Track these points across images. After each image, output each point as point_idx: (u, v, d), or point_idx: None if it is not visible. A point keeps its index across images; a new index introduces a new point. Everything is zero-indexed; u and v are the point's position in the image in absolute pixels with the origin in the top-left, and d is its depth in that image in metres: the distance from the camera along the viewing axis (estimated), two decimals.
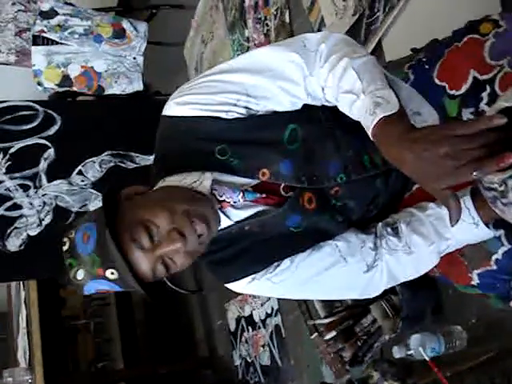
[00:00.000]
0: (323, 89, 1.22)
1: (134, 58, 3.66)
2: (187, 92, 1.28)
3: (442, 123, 1.35)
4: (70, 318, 5.00)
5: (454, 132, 0.94)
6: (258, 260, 1.33)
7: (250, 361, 3.33)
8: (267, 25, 2.87)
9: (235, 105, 1.25)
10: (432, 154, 0.94)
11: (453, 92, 1.36)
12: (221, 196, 1.28)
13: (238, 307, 3.37)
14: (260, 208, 1.30)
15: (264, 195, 1.30)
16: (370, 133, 1.08)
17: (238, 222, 1.30)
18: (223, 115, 1.25)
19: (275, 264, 1.33)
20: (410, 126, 1.04)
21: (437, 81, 1.38)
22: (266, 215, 1.30)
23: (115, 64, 3.62)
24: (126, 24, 3.56)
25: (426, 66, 1.41)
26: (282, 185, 1.31)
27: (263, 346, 3.16)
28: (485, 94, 1.30)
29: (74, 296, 4.81)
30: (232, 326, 3.50)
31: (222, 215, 1.28)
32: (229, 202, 1.28)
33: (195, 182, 1.26)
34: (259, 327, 3.18)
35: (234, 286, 1.37)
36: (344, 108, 1.19)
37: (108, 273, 1.19)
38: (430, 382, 1.72)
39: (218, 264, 1.35)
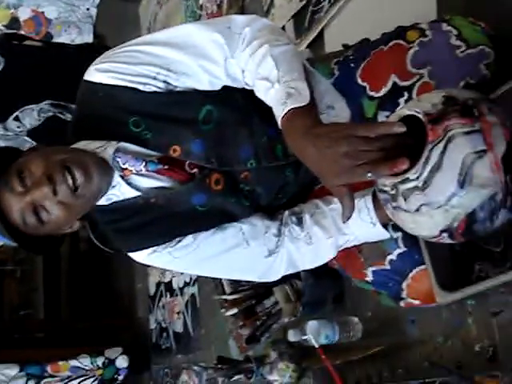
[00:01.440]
0: (243, 72, 1.24)
1: (88, 9, 3.60)
2: (109, 59, 1.27)
3: (352, 121, 1.39)
4: None
5: (356, 132, 0.97)
6: (161, 233, 1.35)
7: (164, 326, 3.37)
8: None
9: (155, 78, 1.26)
10: (332, 151, 0.97)
11: (372, 93, 1.39)
12: (123, 164, 1.28)
13: (159, 272, 3.40)
14: (165, 183, 1.31)
15: (167, 167, 1.30)
16: (279, 122, 1.10)
17: (143, 194, 1.31)
18: (141, 87, 1.25)
19: (177, 239, 1.35)
20: (318, 120, 1.07)
21: (359, 80, 1.41)
22: (172, 190, 1.32)
23: (67, 12, 3.55)
24: None
25: (352, 65, 1.44)
26: (188, 161, 1.32)
27: (178, 314, 3.20)
28: (402, 100, 1.33)
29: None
30: (152, 290, 3.53)
31: (124, 184, 1.29)
32: (131, 171, 1.29)
33: (99, 147, 1.27)
34: (176, 294, 3.22)
35: (135, 256, 1.39)
36: (260, 94, 1.20)
37: None
38: (324, 367, 1.78)
39: (122, 232, 1.36)
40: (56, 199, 1.19)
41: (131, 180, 1.30)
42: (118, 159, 1.28)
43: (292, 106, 1.07)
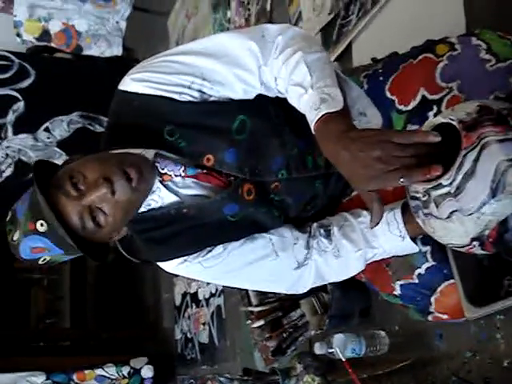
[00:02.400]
0: (276, 79, 1.25)
1: (117, 22, 3.65)
2: (144, 69, 1.29)
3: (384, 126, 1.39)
4: (24, 271, 5.00)
5: (390, 138, 0.98)
6: (192, 243, 1.35)
7: (189, 337, 3.38)
8: (249, 9, 2.88)
9: (189, 87, 1.27)
10: (365, 155, 0.98)
11: (401, 107, 1.39)
12: (163, 169, 1.30)
13: (185, 283, 3.41)
14: (201, 191, 1.32)
15: (205, 171, 1.31)
16: (312, 127, 1.11)
17: (179, 202, 1.33)
18: (176, 97, 1.27)
19: (208, 249, 1.36)
20: (351, 125, 1.07)
21: (388, 94, 1.41)
22: (205, 200, 1.33)
23: (97, 25, 3.60)
24: None
25: (381, 78, 1.44)
26: (224, 171, 1.33)
27: (204, 324, 3.21)
28: (431, 114, 1.33)
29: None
30: (178, 301, 3.54)
31: (164, 189, 1.31)
32: (170, 176, 1.30)
33: (139, 153, 1.29)
34: (202, 305, 3.23)
35: (165, 266, 1.40)
36: (293, 100, 1.21)
37: (38, 225, 1.20)
38: (349, 381, 1.77)
39: (153, 242, 1.37)
40: (114, 199, 1.20)
41: (169, 186, 1.31)
42: (157, 164, 1.30)
43: (326, 111, 1.08)
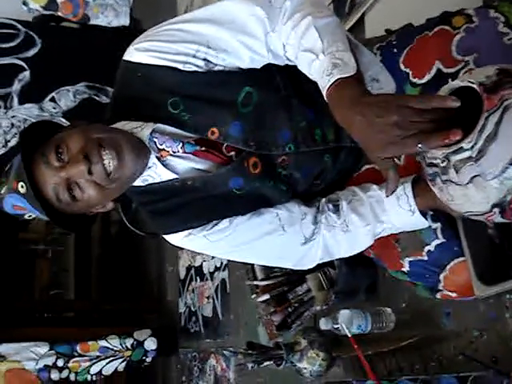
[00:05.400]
0: (284, 46, 1.21)
1: None
2: (148, 38, 1.27)
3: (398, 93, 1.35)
4: (30, 242, 5.02)
5: (407, 103, 0.95)
6: (197, 216, 1.34)
7: (193, 310, 3.38)
8: None
9: (194, 56, 1.24)
10: (382, 121, 0.94)
11: (415, 80, 1.36)
12: (160, 144, 1.28)
13: (190, 256, 3.40)
14: (203, 165, 1.30)
15: (204, 149, 1.30)
16: (324, 93, 1.07)
17: (180, 177, 1.30)
18: (180, 66, 1.25)
19: (214, 222, 1.34)
20: (365, 90, 1.04)
21: (402, 66, 1.38)
22: (209, 173, 1.31)
23: None
24: None
25: (395, 50, 1.41)
26: (225, 144, 1.31)
27: (208, 298, 3.21)
28: None
29: (37, 220, 4.81)
30: (182, 274, 3.53)
31: (160, 166, 1.29)
32: (168, 152, 1.28)
33: (136, 127, 1.27)
34: (207, 279, 3.22)
35: (170, 238, 1.38)
36: (303, 67, 1.18)
37: (19, 186, 1.21)
38: (354, 357, 1.76)
39: (158, 214, 1.36)
40: (91, 178, 1.19)
41: (168, 161, 1.30)
42: (155, 140, 1.28)
43: (339, 76, 1.05)
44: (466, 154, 1.00)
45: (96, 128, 1.26)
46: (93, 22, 3.54)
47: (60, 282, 5.13)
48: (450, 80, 1.29)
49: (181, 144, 1.28)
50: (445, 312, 1.59)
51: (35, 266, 5.16)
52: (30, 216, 1.30)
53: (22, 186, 1.20)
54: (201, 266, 3.29)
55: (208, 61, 1.26)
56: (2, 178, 1.27)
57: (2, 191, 1.26)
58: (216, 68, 1.26)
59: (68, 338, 3.34)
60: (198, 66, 1.25)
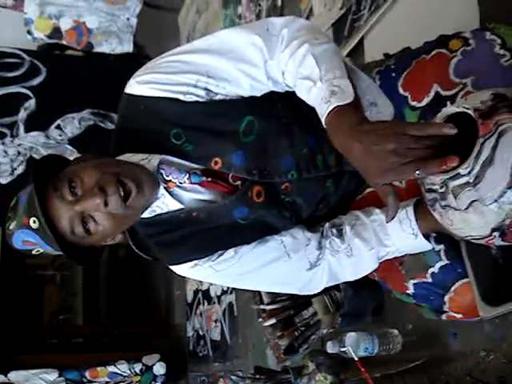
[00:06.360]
0: (283, 73, 1.22)
1: (128, 19, 3.65)
2: (149, 71, 1.28)
3: (396, 119, 1.37)
4: (37, 268, 5.03)
5: (404, 131, 0.96)
6: (202, 247, 1.34)
7: (201, 334, 3.38)
8: (260, 5, 2.86)
9: (195, 86, 1.25)
10: (379, 149, 0.96)
11: (414, 103, 1.37)
12: (167, 176, 1.29)
13: (197, 280, 3.40)
14: (208, 196, 1.31)
15: (210, 179, 1.30)
16: (323, 120, 1.09)
17: (186, 208, 1.31)
18: (181, 97, 1.25)
19: (219, 252, 1.34)
20: (363, 117, 1.05)
21: (401, 90, 1.39)
22: (214, 204, 1.31)
23: (108, 22, 3.60)
24: None
25: (393, 74, 1.42)
26: (231, 174, 1.32)
27: (215, 321, 3.21)
28: None
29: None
30: (189, 298, 3.54)
31: (168, 196, 1.29)
32: (174, 183, 1.29)
33: (143, 159, 1.28)
34: (214, 302, 3.22)
35: (176, 269, 1.39)
36: (302, 94, 1.19)
37: (31, 221, 1.20)
38: (362, 379, 1.76)
39: (164, 245, 1.36)
40: (106, 210, 1.19)
41: (174, 192, 1.30)
42: (162, 171, 1.29)
43: (336, 104, 1.06)
44: (464, 180, 1.01)
45: (110, 162, 1.27)
46: (97, 49, 3.59)
47: (68, 306, 5.13)
48: (448, 103, 1.30)
49: (187, 175, 1.29)
50: (451, 333, 1.58)
51: (44, 291, 5.17)
52: (37, 251, 1.28)
53: (35, 222, 1.20)
54: (208, 289, 3.30)
55: (209, 90, 1.26)
56: (8, 214, 1.27)
57: (11, 227, 1.25)
58: (217, 97, 1.27)
59: (77, 364, 3.34)
60: (198, 95, 1.26)
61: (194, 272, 1.37)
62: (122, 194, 1.19)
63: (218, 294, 3.17)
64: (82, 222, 1.20)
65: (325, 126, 1.08)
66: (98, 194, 1.18)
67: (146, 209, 1.29)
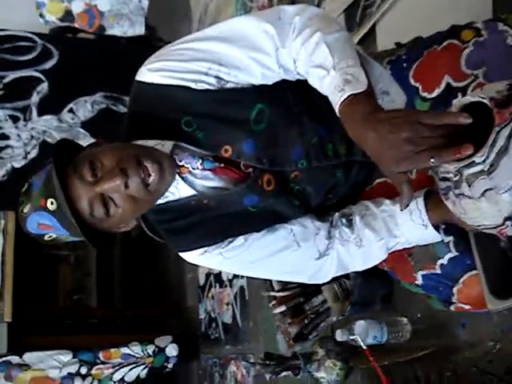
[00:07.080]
0: (295, 61, 1.22)
1: (140, 1, 3.64)
2: (160, 58, 1.28)
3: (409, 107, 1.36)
4: (51, 247, 5.06)
5: (419, 119, 0.96)
6: (212, 234, 1.35)
7: (213, 316, 3.41)
8: None
9: (206, 73, 1.25)
10: (394, 137, 0.96)
11: (425, 94, 1.36)
12: (180, 161, 1.29)
13: None
14: (219, 183, 1.31)
15: (222, 165, 1.30)
16: (336, 109, 1.09)
17: (197, 195, 1.32)
18: (192, 85, 1.25)
19: (229, 240, 1.35)
20: (377, 106, 1.06)
21: (412, 80, 1.38)
22: (225, 191, 1.32)
23: (119, 5, 3.59)
24: None
25: (404, 64, 1.41)
26: (242, 162, 1.32)
27: (227, 305, 3.23)
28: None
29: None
30: (202, 280, 3.56)
31: (181, 181, 1.30)
32: (187, 168, 1.29)
33: (157, 145, 1.28)
34: (226, 285, 3.24)
35: (186, 256, 1.40)
36: (314, 82, 1.19)
37: (48, 203, 1.19)
38: (371, 367, 1.77)
39: (173, 232, 1.37)
40: (126, 192, 1.19)
41: (187, 178, 1.31)
42: (175, 156, 1.29)
43: (350, 93, 1.06)
44: (478, 168, 1.01)
45: (129, 145, 1.27)
46: (108, 32, 3.58)
47: (83, 286, 5.17)
48: (459, 94, 1.29)
49: (200, 160, 1.29)
50: (460, 323, 1.59)
51: (58, 271, 5.21)
52: (49, 237, 1.26)
53: (52, 203, 1.18)
54: (220, 273, 3.31)
55: (220, 78, 1.26)
56: (20, 198, 1.26)
57: (26, 210, 1.23)
58: (228, 85, 1.27)
59: (90, 346, 3.38)
60: (209, 83, 1.26)
61: (204, 259, 1.38)
62: (143, 176, 1.19)
63: (230, 277, 3.19)
64: (103, 203, 1.19)
65: (338, 115, 1.09)
66: (119, 175, 1.17)
67: (163, 194, 1.29)
